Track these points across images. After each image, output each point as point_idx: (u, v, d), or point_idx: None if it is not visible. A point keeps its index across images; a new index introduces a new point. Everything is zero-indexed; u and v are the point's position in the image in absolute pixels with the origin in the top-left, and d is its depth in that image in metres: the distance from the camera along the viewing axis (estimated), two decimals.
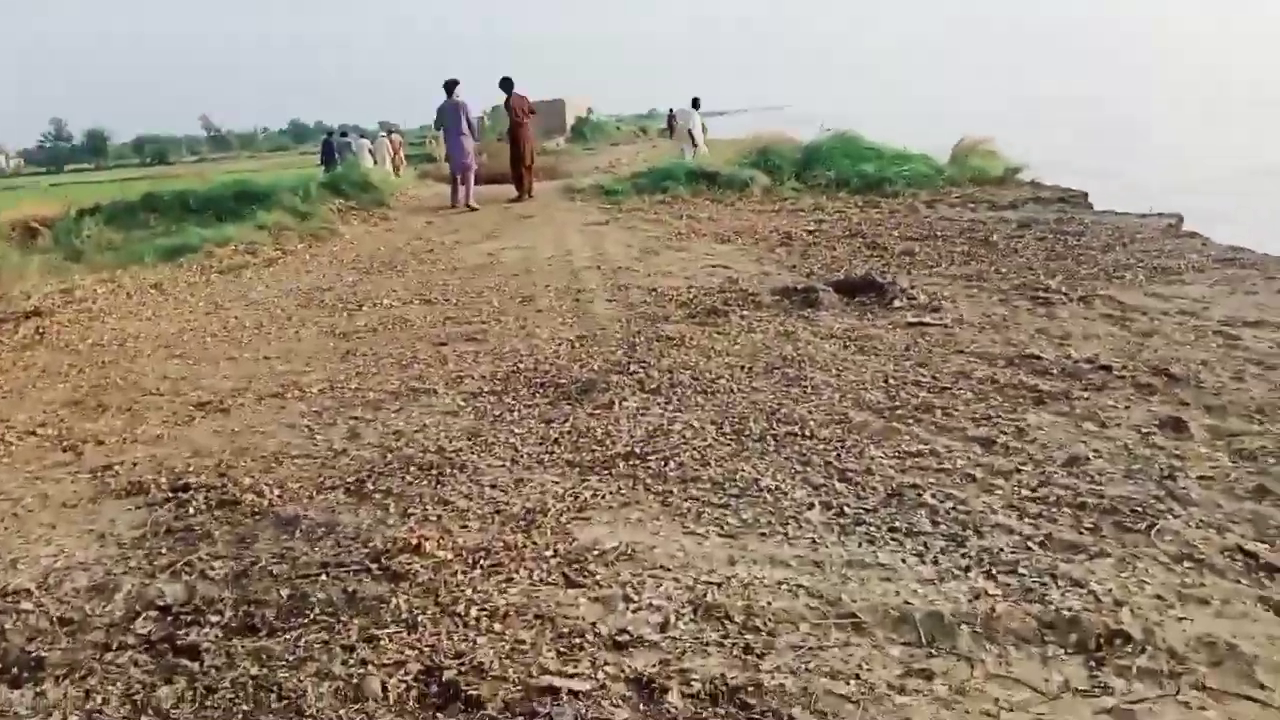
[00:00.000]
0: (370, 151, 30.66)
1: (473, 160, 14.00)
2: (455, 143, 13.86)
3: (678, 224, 10.35)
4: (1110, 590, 2.37)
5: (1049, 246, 7.63)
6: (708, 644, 2.32)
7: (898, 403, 4.10)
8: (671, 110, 54.21)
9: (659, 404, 4.33)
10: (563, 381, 4.71)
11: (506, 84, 14.25)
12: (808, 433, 3.78)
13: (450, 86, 13.84)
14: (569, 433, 4.01)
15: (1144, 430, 3.56)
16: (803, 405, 4.14)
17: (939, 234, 8.58)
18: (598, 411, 4.26)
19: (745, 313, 6.00)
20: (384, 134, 32.67)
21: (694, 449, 3.70)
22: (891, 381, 4.40)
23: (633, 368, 4.84)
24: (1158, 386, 4.03)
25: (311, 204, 11.67)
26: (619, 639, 2.37)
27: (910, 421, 3.85)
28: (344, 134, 32.86)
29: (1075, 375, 4.29)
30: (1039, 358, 4.57)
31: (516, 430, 4.11)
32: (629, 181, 13.24)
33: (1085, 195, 10.97)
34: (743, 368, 4.82)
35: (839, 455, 3.52)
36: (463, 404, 4.56)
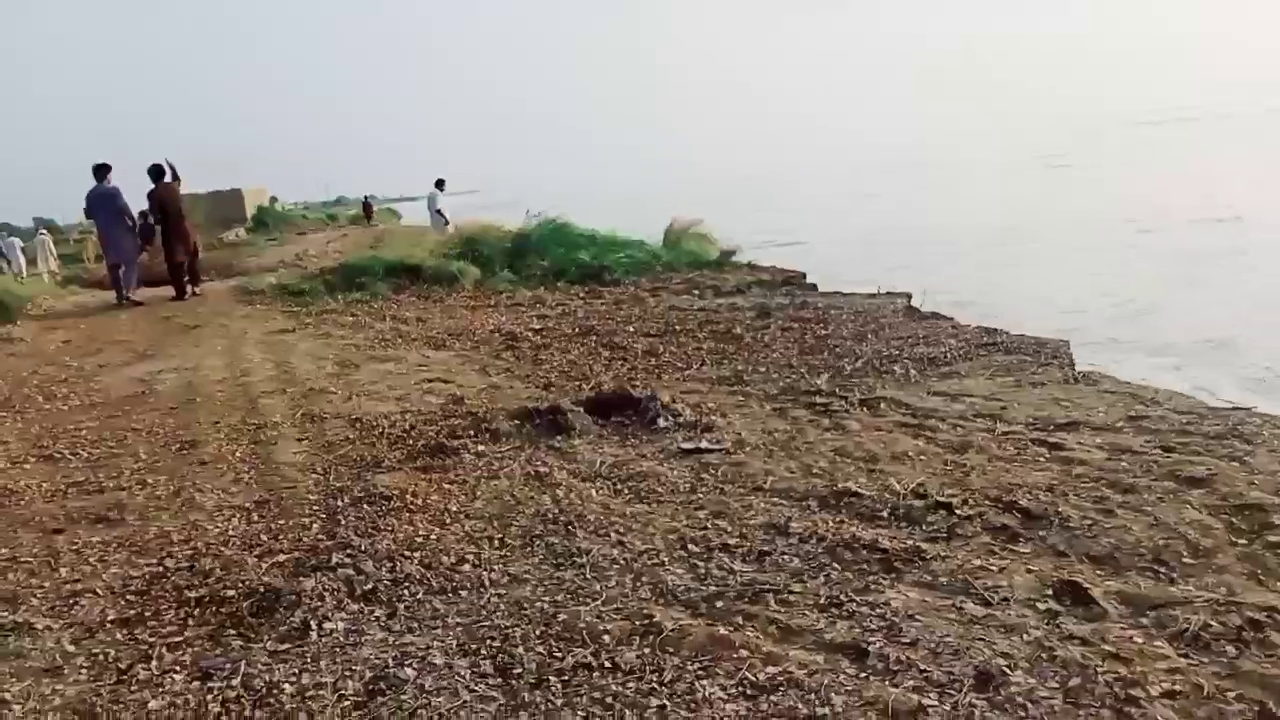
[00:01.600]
0: (22, 251, 26.61)
1: (132, 250, 12.13)
2: (110, 233, 11.99)
3: (381, 327, 8.93)
4: None
5: (798, 338, 7.06)
6: None
7: (712, 585, 3.03)
8: (367, 197, 52.62)
9: (378, 620, 2.98)
10: (231, 592, 3.22)
11: (156, 171, 12.29)
12: (605, 660, 2.60)
13: (100, 171, 11.80)
14: (237, 699, 2.56)
15: (1041, 607, 2.71)
16: (586, 603, 2.96)
17: (678, 328, 7.83)
18: (285, 648, 2.83)
19: (481, 448, 4.76)
20: (42, 232, 28.70)
21: (440, 714, 2.41)
22: (692, 547, 3.34)
23: (336, 557, 3.43)
24: (1017, 529, 3.26)
25: None
26: None
27: (740, 620, 2.78)
28: None
29: (911, 519, 3.45)
30: (858, 495, 3.70)
31: (153, 701, 2.59)
32: (319, 279, 11.61)
33: (804, 276, 10.84)
34: (492, 540, 3.57)
35: (663, 706, 2.37)
36: (72, 649, 2.94)
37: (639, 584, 3.09)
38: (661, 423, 4.91)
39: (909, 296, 8.65)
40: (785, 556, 3.22)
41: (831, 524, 3.46)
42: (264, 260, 18.98)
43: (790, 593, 2.94)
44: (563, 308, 9.72)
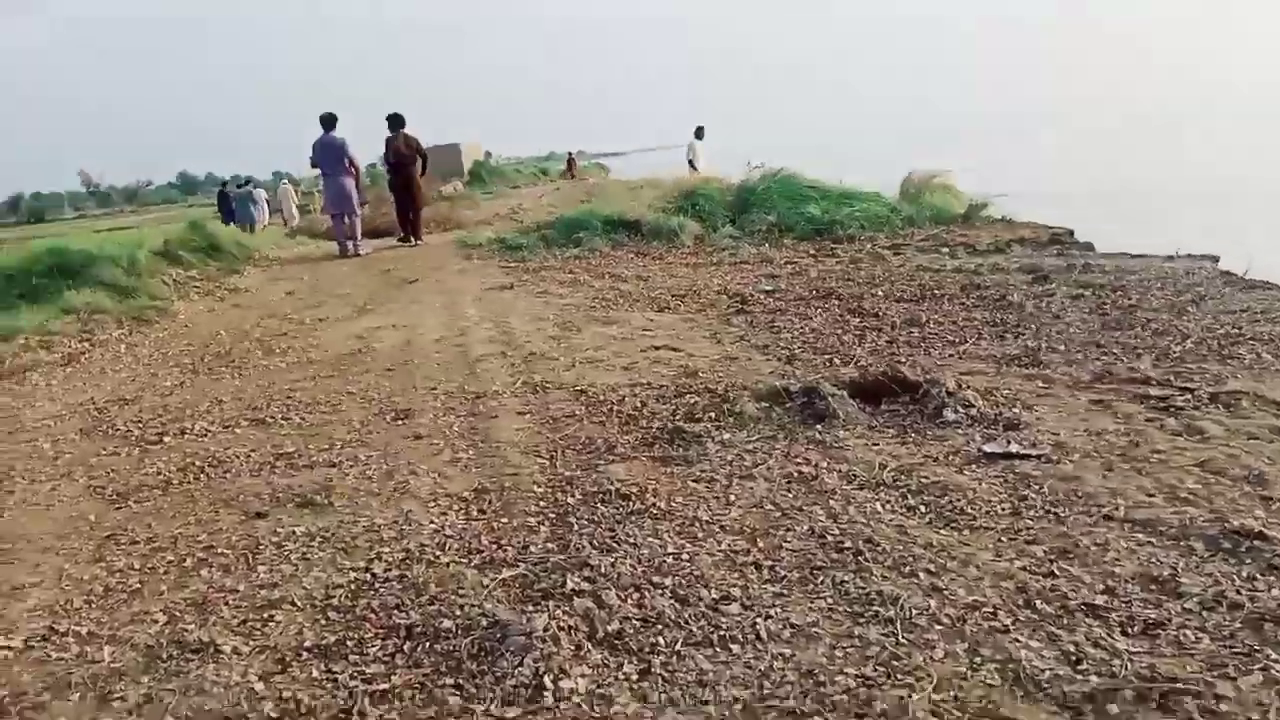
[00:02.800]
0: (267, 201, 28.40)
1: (357, 203, 12.29)
2: (335, 184, 12.09)
3: (600, 286, 8.36)
4: None
5: (1094, 307, 5.87)
6: None
7: (1090, 671, 2.14)
8: (570, 153, 53.41)
9: (629, 682, 2.28)
10: (448, 622, 2.61)
11: (396, 120, 12.50)
12: None
13: (328, 121, 11.93)
14: None
15: None
16: (910, 685, 2.15)
17: (937, 292, 6.78)
18: (514, 716, 2.19)
19: (726, 435, 4.02)
20: (284, 182, 30.42)
21: None
22: (1041, 605, 2.45)
23: (571, 581, 2.78)
24: None
25: (139, 277, 9.27)
26: None
27: None
28: (245, 183, 30.28)
29: None
30: (1262, 536, 2.68)
31: None
32: (535, 233, 11.22)
33: (1071, 233, 9.43)
34: (760, 568, 2.81)
35: None
36: (259, 688, 2.42)
37: (979, 659, 2.24)
38: (949, 415, 3.99)
39: (1216, 259, 7.20)
40: (1187, 632, 2.28)
41: (1239, 581, 2.47)
42: (480, 214, 19.07)
43: (1219, 698, 2.01)
44: (793, 266, 8.83)
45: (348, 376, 5.86)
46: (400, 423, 4.77)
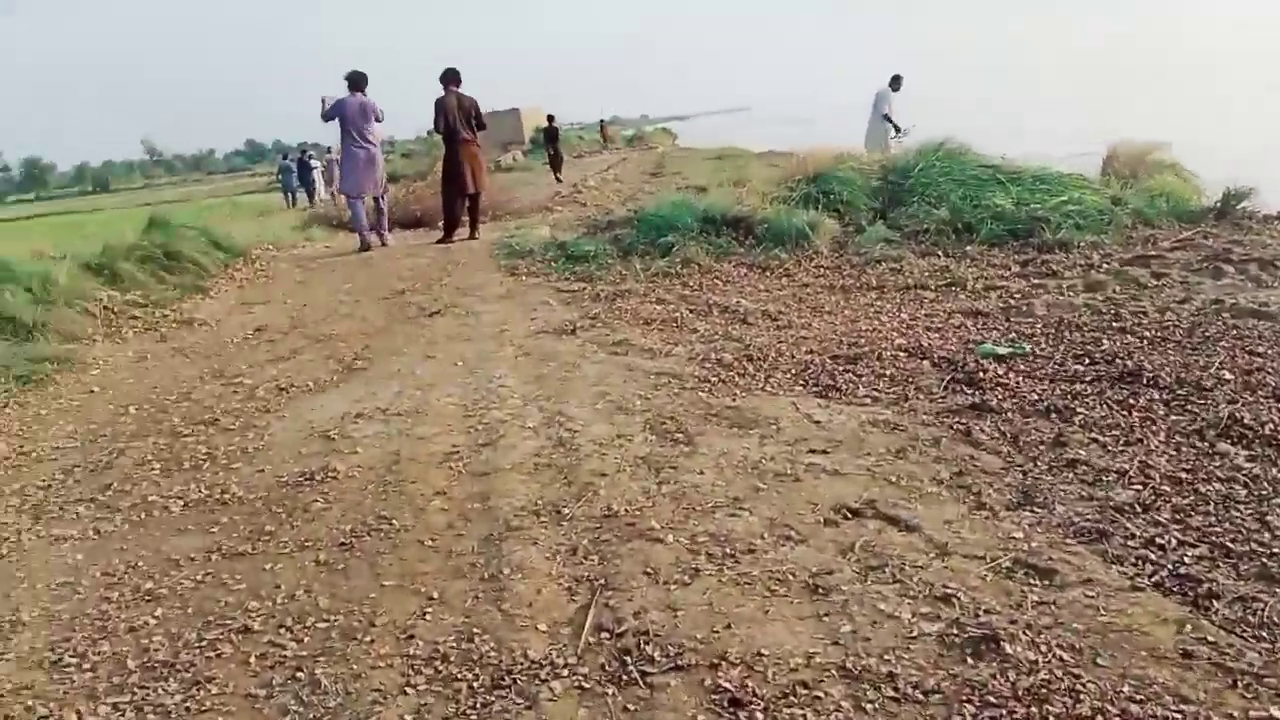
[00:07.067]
0: (322, 172, 25.98)
1: (383, 178, 9.72)
2: (366, 155, 9.48)
3: (708, 330, 5.44)
4: None
5: None
6: None
7: None
8: (603, 120, 50.25)
9: None
10: None
11: (450, 75, 9.53)
12: None
13: (356, 81, 9.24)
14: None
15: None
16: None
17: None
18: None
19: None
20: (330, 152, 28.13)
21: None
22: None
23: None
24: None
25: (52, 305, 6.49)
26: None
27: None
28: (303, 152, 27.80)
29: None
30: None
31: None
32: (606, 233, 8.30)
33: None
34: None
35: None
36: None
37: None
38: None
39: None
40: None
41: None
42: (538, 195, 16.22)
43: None
44: (999, 294, 5.82)
45: (268, 551, 3.12)
46: None
